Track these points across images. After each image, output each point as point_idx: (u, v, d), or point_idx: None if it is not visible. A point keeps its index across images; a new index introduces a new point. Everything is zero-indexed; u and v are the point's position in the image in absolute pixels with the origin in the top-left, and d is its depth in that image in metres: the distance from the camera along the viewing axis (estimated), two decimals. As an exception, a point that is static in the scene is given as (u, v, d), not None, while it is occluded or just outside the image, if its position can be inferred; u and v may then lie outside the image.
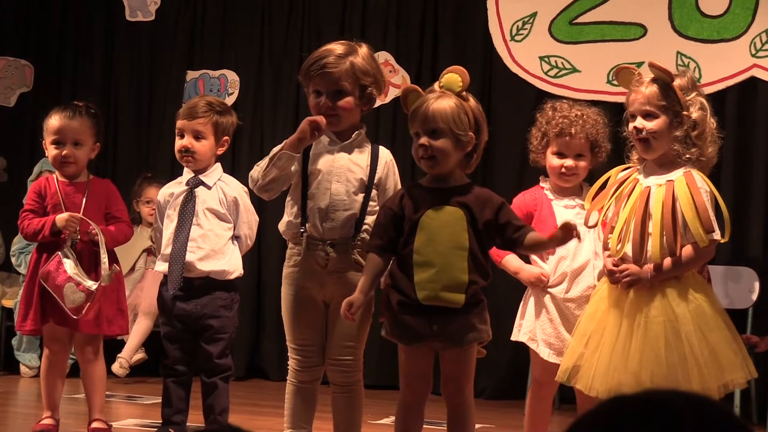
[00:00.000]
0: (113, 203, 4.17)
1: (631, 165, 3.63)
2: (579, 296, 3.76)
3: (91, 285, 3.98)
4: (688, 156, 3.45)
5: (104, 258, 4.01)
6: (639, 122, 3.47)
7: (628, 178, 3.57)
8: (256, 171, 3.47)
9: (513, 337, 3.87)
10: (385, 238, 3.29)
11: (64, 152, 4.09)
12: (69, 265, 3.99)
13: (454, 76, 3.30)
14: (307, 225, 3.46)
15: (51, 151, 4.13)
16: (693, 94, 3.49)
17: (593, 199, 3.67)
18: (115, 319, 4.13)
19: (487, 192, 3.34)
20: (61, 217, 4.01)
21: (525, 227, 3.30)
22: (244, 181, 4.19)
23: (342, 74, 3.44)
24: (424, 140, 3.25)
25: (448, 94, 3.27)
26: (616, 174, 3.64)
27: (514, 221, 3.29)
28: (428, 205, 3.25)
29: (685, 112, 3.45)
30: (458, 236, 3.22)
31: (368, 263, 3.33)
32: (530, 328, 3.82)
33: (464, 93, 3.30)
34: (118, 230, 4.11)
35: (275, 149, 3.48)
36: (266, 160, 3.45)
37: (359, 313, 3.31)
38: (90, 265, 4.07)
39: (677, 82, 3.49)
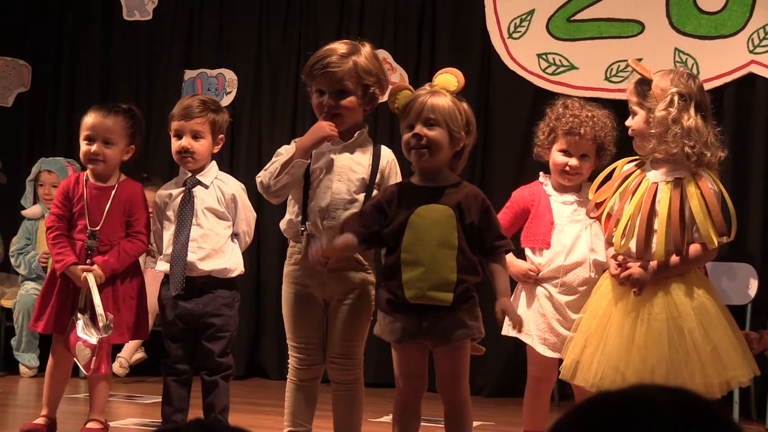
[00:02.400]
0: (135, 211, 4.15)
1: (637, 157, 3.64)
2: (572, 290, 3.77)
3: (93, 339, 3.99)
4: (662, 146, 3.46)
5: (99, 309, 3.98)
6: (628, 119, 3.56)
7: (634, 171, 3.59)
8: (266, 177, 3.46)
9: (504, 332, 3.85)
10: (365, 228, 3.27)
11: (93, 149, 4.10)
12: (80, 326, 4.01)
13: (449, 77, 3.31)
14: (307, 223, 3.46)
15: (82, 147, 4.14)
16: (671, 92, 3.48)
17: (597, 189, 3.69)
18: (140, 324, 4.19)
19: (476, 191, 3.32)
20: (75, 274, 4.02)
21: (504, 242, 3.28)
22: (242, 179, 4.20)
23: (345, 74, 3.43)
24: (418, 128, 3.25)
25: (443, 93, 3.28)
26: (621, 166, 3.66)
27: (495, 230, 3.27)
28: (418, 202, 3.25)
29: (659, 111, 3.47)
30: (447, 235, 3.21)
31: (344, 236, 3.25)
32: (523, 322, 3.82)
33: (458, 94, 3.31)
34: (122, 256, 4.07)
35: (283, 152, 3.48)
36: (277, 165, 3.44)
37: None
38: (107, 303, 4.06)
39: (662, 83, 3.50)
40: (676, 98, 3.47)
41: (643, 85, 3.51)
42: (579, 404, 1.14)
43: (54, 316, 4.08)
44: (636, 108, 3.54)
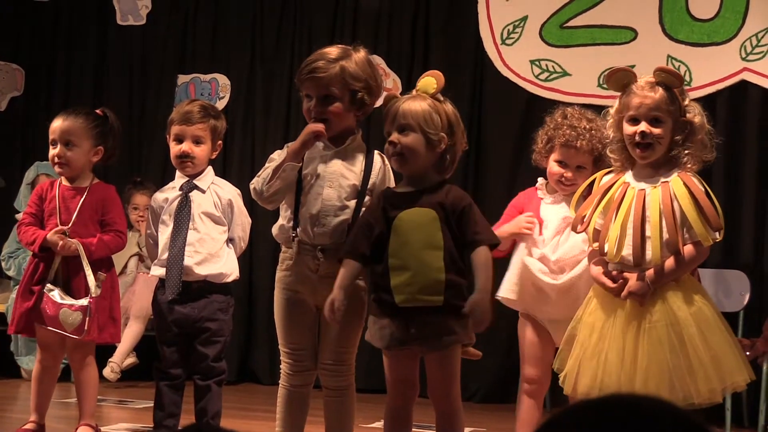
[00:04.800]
0: (109, 210, 4.16)
1: (613, 169, 3.62)
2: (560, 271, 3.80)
3: (83, 301, 3.99)
4: (687, 152, 3.45)
5: (88, 270, 4.01)
6: (644, 126, 3.44)
7: (614, 182, 3.55)
8: (259, 183, 3.44)
9: (500, 294, 3.79)
10: (367, 249, 3.27)
11: (56, 152, 4.11)
12: (57, 296, 4.01)
13: (429, 79, 3.32)
14: (298, 229, 3.45)
15: (50, 151, 4.15)
16: (688, 99, 3.51)
17: (579, 202, 3.67)
18: (106, 326, 4.11)
19: (460, 194, 3.30)
20: (52, 241, 4.03)
21: (483, 236, 3.22)
22: (234, 184, 4.20)
23: (330, 79, 3.40)
24: (394, 136, 3.26)
25: (422, 96, 3.29)
26: (600, 179, 3.63)
27: (473, 225, 3.22)
28: (400, 207, 3.25)
29: (683, 117, 3.45)
30: (432, 236, 3.20)
31: (347, 266, 3.28)
32: (517, 287, 3.83)
33: (440, 96, 3.30)
34: (99, 243, 4.08)
35: (276, 157, 3.46)
36: (269, 171, 3.42)
37: (348, 314, 3.30)
38: (82, 278, 4.06)
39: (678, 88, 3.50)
40: (697, 105, 3.49)
41: (672, 93, 3.46)
42: (567, 409, 1.11)
43: (25, 318, 4.08)
44: (664, 116, 3.45)
